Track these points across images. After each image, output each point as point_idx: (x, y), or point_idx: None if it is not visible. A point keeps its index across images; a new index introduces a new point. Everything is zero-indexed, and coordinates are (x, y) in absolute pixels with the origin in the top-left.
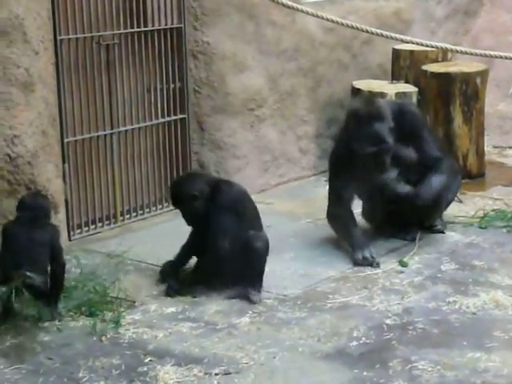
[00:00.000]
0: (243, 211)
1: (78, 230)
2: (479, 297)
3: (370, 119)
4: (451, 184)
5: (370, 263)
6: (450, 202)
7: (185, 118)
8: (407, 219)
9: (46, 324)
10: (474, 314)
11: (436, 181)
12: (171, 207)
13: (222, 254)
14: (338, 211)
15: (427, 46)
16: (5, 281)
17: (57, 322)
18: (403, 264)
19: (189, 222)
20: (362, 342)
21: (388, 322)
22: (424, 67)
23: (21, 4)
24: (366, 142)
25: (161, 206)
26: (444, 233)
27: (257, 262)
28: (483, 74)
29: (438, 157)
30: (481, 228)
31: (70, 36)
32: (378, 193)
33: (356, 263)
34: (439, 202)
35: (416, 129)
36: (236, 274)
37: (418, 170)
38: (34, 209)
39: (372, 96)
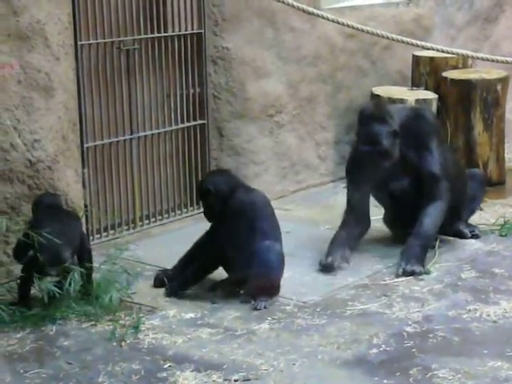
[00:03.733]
0: (256, 218)
1: (98, 235)
2: (500, 305)
3: (370, 120)
4: (442, 214)
5: (329, 269)
6: (473, 212)
7: (204, 124)
8: None
9: (67, 327)
10: (495, 322)
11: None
12: (190, 213)
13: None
14: (344, 216)
15: (447, 52)
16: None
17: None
18: (426, 271)
19: (206, 217)
20: (381, 349)
21: (408, 329)
22: (444, 74)
23: (42, 9)
24: (361, 141)
25: (180, 212)
26: (479, 237)
27: (267, 273)
28: (504, 81)
29: (435, 176)
30: (501, 236)
31: (91, 41)
32: (395, 199)
33: (320, 266)
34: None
35: (424, 135)
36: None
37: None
38: (50, 204)
39: (384, 99)
